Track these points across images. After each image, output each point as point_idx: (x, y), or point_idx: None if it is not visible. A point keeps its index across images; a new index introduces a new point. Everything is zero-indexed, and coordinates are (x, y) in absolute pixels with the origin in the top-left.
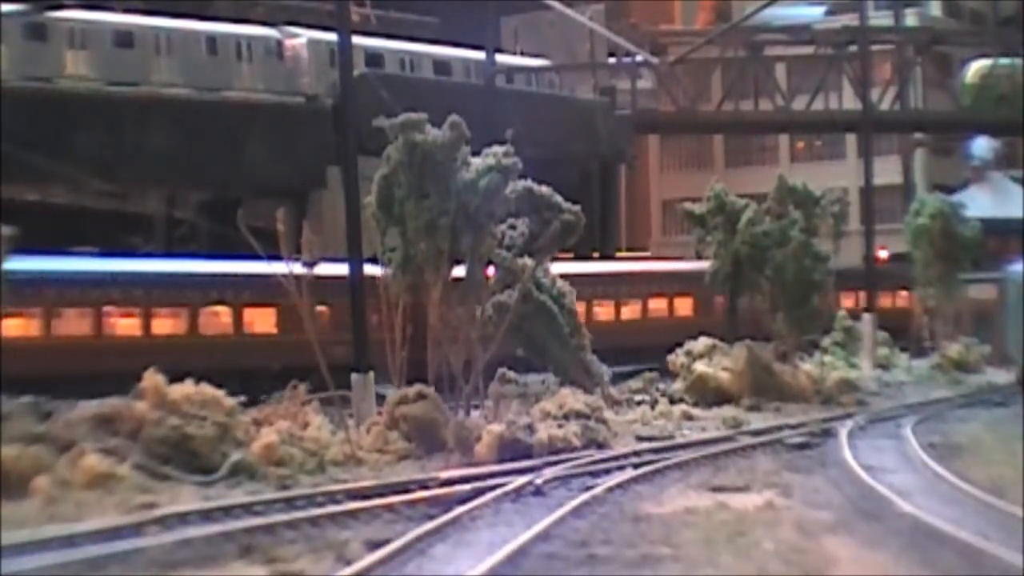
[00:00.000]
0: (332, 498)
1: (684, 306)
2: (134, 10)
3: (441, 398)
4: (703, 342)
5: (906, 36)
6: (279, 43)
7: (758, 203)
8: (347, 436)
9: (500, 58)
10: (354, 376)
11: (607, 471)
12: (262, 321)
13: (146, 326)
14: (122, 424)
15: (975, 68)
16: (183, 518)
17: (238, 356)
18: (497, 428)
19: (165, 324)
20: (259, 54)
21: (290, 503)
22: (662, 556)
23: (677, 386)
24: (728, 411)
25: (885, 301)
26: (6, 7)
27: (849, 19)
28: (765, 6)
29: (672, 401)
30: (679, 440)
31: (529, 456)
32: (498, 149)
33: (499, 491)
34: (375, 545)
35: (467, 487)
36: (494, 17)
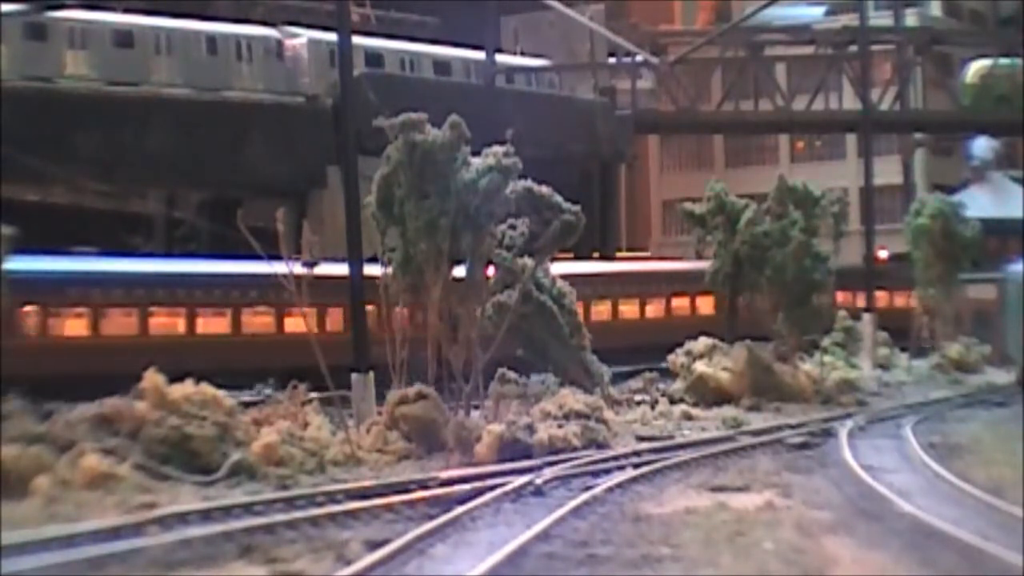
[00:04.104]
0: (332, 498)
1: None
2: (134, 10)
3: (441, 398)
4: (703, 342)
5: (906, 36)
6: (279, 43)
7: (758, 203)
8: (347, 436)
9: (500, 58)
10: (354, 376)
11: (607, 471)
12: None
13: None
14: (122, 424)
15: (975, 68)
16: (183, 518)
17: None
18: (497, 428)
19: None
20: (259, 54)
21: (290, 503)
22: (662, 556)
23: (677, 386)
24: (728, 411)
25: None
26: (6, 7)
27: (849, 19)
28: (765, 6)
29: (672, 401)
30: (679, 440)
31: (529, 456)
32: (498, 149)
33: (499, 491)
34: (375, 545)
35: (467, 487)
36: (494, 17)
